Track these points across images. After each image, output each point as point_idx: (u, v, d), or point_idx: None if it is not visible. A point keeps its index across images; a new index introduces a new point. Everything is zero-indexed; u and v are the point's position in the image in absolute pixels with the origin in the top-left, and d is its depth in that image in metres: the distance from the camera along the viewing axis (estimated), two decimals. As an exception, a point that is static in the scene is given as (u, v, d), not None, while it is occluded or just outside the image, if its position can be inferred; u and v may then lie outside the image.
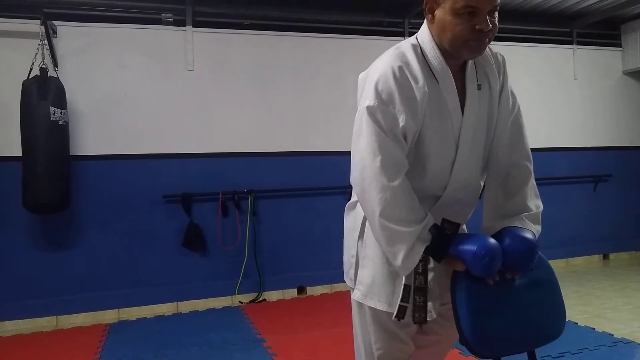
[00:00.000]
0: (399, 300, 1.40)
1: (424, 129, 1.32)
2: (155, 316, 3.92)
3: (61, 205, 3.58)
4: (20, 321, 3.70)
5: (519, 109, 1.51)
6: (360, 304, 1.53)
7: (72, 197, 3.69)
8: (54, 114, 3.46)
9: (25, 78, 3.50)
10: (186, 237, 4.04)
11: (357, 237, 1.54)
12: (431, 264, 1.42)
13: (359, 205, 1.50)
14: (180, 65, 4.13)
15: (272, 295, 4.29)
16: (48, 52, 3.63)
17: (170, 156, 4.09)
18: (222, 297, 4.17)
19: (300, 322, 3.58)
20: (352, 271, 1.55)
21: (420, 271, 1.38)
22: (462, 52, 1.31)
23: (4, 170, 3.69)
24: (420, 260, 1.35)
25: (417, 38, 1.39)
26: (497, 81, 1.44)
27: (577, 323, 3.39)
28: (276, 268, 4.30)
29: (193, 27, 4.14)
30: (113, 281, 3.93)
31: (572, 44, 5.39)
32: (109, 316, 3.89)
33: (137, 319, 3.85)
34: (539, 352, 1.46)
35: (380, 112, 1.28)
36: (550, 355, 2.79)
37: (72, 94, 3.72)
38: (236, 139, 4.23)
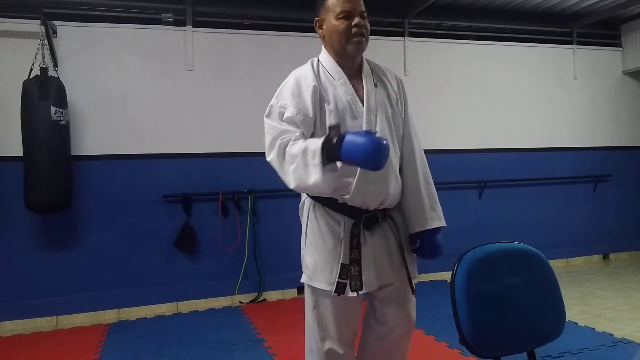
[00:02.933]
0: (337, 277, 1.63)
1: (322, 109, 1.65)
2: (155, 316, 3.92)
3: (62, 205, 3.58)
4: (20, 321, 3.70)
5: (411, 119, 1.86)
6: (308, 294, 1.78)
7: (72, 197, 3.69)
8: (54, 114, 3.46)
9: (26, 78, 3.50)
10: (178, 237, 4.03)
11: (304, 232, 1.76)
12: (368, 245, 1.66)
13: (305, 204, 1.78)
14: (180, 65, 4.13)
15: (272, 295, 4.29)
16: (48, 52, 3.63)
17: (170, 156, 4.09)
18: (222, 297, 4.18)
19: (300, 322, 3.54)
20: (304, 262, 1.77)
21: (355, 245, 1.64)
22: (348, 48, 1.67)
23: (5, 170, 3.69)
24: (354, 236, 1.63)
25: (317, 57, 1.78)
26: (393, 86, 1.79)
27: (577, 323, 3.39)
28: (276, 268, 4.29)
29: (193, 27, 4.15)
30: (113, 281, 3.93)
31: (572, 44, 5.39)
32: (109, 316, 3.89)
33: (137, 319, 3.86)
34: (539, 352, 1.47)
35: (272, 109, 1.68)
36: (550, 355, 2.79)
37: (72, 94, 3.72)
38: (236, 139, 4.23)
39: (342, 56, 1.70)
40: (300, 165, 1.51)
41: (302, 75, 1.69)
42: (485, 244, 1.47)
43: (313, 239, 1.71)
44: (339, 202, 1.66)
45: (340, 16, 1.65)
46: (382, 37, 4.65)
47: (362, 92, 1.69)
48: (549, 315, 1.46)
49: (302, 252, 1.78)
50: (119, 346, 3.24)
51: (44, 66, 3.52)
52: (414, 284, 1.75)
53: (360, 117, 1.66)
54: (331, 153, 1.46)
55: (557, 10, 5.12)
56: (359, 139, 1.42)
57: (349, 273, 1.63)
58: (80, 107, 3.85)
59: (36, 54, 3.55)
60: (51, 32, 3.73)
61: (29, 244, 3.77)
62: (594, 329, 3.28)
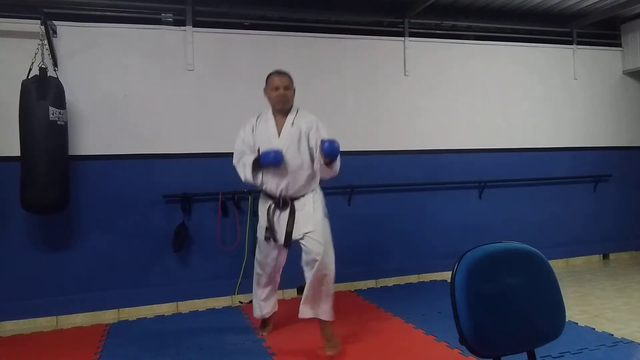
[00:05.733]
0: (264, 232, 3.07)
1: (256, 139, 3.07)
2: (155, 316, 3.92)
3: (60, 205, 3.58)
4: (20, 321, 3.71)
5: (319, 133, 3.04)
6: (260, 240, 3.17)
7: (71, 198, 3.69)
8: (53, 114, 3.46)
9: (25, 78, 3.49)
10: (175, 240, 4.01)
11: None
12: (279, 217, 3.05)
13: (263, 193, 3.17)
14: (180, 65, 4.13)
15: (272, 295, 4.28)
16: (48, 52, 3.62)
17: (170, 156, 4.09)
18: (222, 297, 4.18)
19: (300, 322, 3.57)
20: None
21: (271, 217, 3.04)
22: (276, 104, 3.05)
23: (2, 170, 3.69)
24: (269, 211, 3.06)
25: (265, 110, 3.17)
26: (308, 128, 3.02)
27: (577, 323, 3.39)
28: (276, 268, 4.29)
29: (193, 27, 4.15)
30: (113, 281, 3.93)
31: (572, 44, 5.39)
32: (109, 316, 3.89)
33: (137, 319, 3.85)
34: (539, 352, 1.46)
35: (238, 136, 3.15)
36: (550, 355, 2.79)
37: (72, 94, 3.72)
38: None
39: (274, 108, 3.07)
40: (241, 169, 3.09)
41: (249, 121, 3.12)
42: (485, 244, 1.47)
43: (259, 211, 3.18)
44: (266, 191, 3.08)
45: (272, 88, 3.03)
46: (382, 37, 4.65)
47: (282, 128, 3.02)
48: (549, 315, 1.46)
49: None
50: (119, 346, 3.24)
51: (43, 66, 3.51)
52: (290, 241, 3.01)
53: (274, 142, 2.97)
54: (255, 164, 3.01)
55: (557, 10, 5.12)
56: (269, 151, 2.91)
57: (268, 232, 3.05)
58: (80, 107, 3.85)
59: (36, 53, 3.54)
60: (51, 32, 3.73)
61: (29, 244, 3.77)
62: (594, 329, 3.28)
